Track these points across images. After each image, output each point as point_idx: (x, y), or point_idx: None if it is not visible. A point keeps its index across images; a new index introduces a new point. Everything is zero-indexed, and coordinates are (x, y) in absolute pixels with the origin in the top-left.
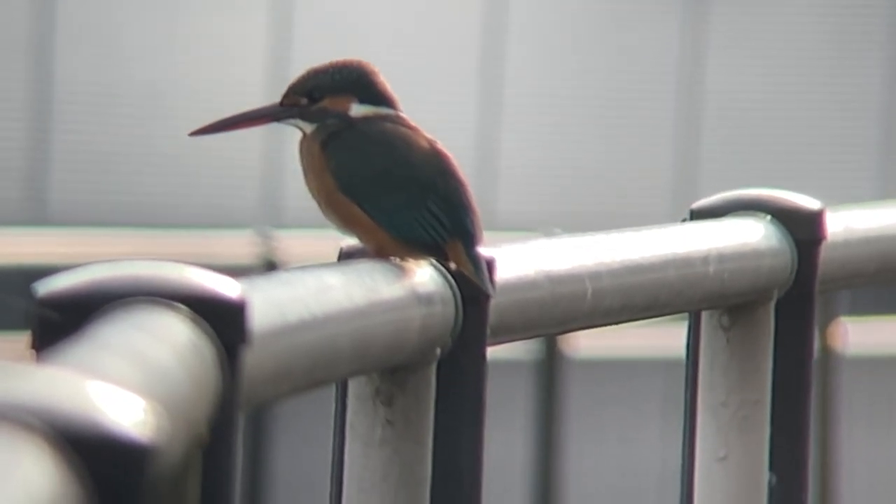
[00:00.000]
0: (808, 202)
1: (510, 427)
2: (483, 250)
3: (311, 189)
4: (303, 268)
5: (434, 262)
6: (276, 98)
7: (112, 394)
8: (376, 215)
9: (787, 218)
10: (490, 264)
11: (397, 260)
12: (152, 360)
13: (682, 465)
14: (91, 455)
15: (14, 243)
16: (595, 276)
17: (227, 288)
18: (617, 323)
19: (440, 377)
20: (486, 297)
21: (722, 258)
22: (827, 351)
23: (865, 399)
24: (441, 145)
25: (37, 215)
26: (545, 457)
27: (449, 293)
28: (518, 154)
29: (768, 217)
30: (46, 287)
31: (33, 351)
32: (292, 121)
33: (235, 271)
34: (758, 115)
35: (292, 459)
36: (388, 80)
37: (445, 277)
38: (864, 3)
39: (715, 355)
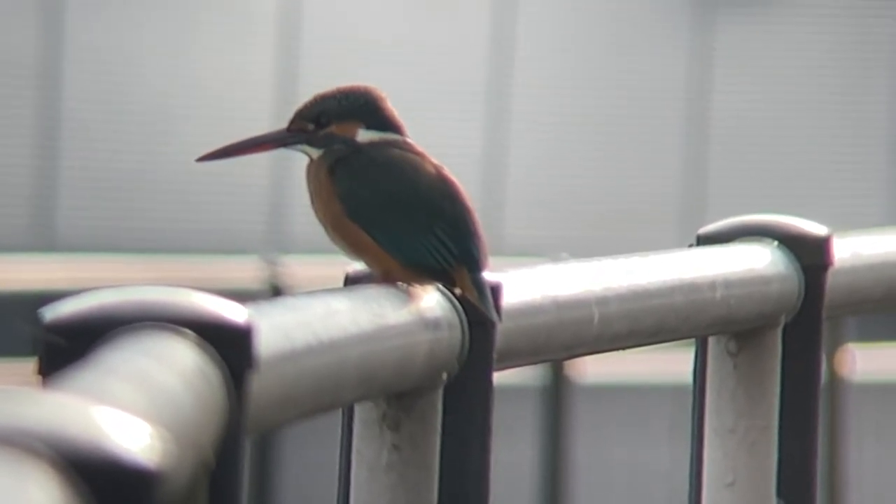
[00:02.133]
0: (815, 228)
1: (517, 452)
2: (489, 276)
3: (317, 214)
4: (309, 293)
5: (441, 287)
6: (283, 122)
7: (118, 419)
8: (383, 241)
9: (794, 244)
10: (496, 290)
11: (404, 285)
12: (159, 385)
13: (690, 490)
14: (97, 480)
15: (21, 269)
16: (602, 301)
17: (234, 313)
18: (624, 348)
19: (447, 402)
20: (492, 322)
21: (729, 284)
22: (834, 377)
23: (873, 425)
24: (448, 171)
25: (44, 241)
26: (552, 482)
27: (455, 318)
28: (525, 179)
29: (775, 243)
30: (53, 313)
31: (40, 376)
32: (299, 146)
33: (242, 296)
34: (765, 139)
35: (299, 484)
36: (394, 104)
37: (452, 302)
38: (872, 27)
39: (722, 381)
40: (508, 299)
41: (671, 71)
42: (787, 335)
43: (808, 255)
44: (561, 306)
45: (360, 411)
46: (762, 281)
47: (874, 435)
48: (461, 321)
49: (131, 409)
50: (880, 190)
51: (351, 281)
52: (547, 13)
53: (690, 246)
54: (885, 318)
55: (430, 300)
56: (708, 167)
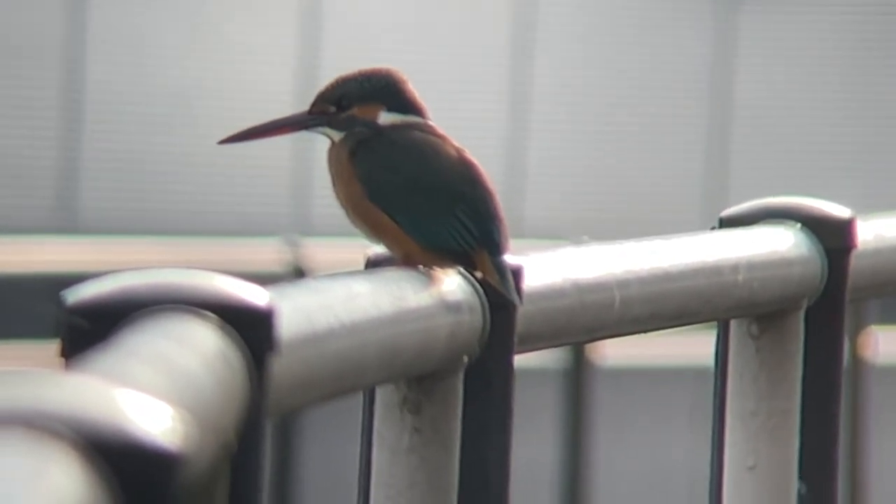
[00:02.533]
0: (839, 210)
1: (538, 435)
2: (510, 259)
3: (339, 197)
4: (331, 276)
5: (462, 270)
6: (305, 105)
7: (140, 402)
8: (404, 223)
9: (817, 226)
10: (517, 273)
11: (425, 268)
12: (180, 367)
13: (711, 474)
14: (119, 463)
15: (44, 251)
16: (623, 284)
17: (256, 296)
18: (645, 331)
19: (467, 385)
20: (513, 305)
21: (751, 266)
22: (857, 360)
23: (895, 408)
24: (469, 154)
25: (67, 223)
26: (573, 465)
27: (476, 301)
28: (546, 162)
29: (798, 225)
30: (75, 295)
31: (62, 359)
32: (321, 129)
33: (264, 279)
34: (788, 122)
35: (320, 467)
36: (416, 88)
37: (473, 286)
38: (895, 10)
39: (744, 364)
40: (529, 282)
41: (694, 54)
42: (810, 318)
43: (831, 237)
44: (582, 289)
45: (381, 394)
46: (785, 264)
47: None
48: (482, 304)
49: (153, 391)
50: None
51: (372, 264)
52: (569, 0)
53: (713, 228)
54: None
55: (451, 283)
56: (731, 150)
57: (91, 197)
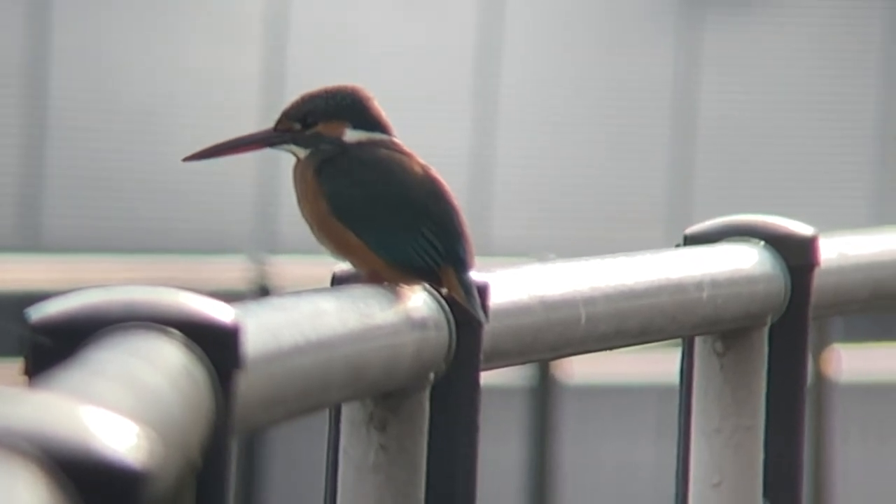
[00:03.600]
0: (802, 228)
1: (504, 452)
2: (476, 276)
3: (304, 214)
4: (296, 293)
5: (427, 287)
6: (270, 122)
7: (105, 419)
8: (370, 240)
9: (780, 244)
10: (483, 290)
11: (391, 285)
12: (146, 385)
13: (677, 491)
14: (84, 480)
15: (7, 269)
16: (589, 301)
17: (221, 313)
18: (611, 348)
19: (434, 402)
20: (479, 322)
21: (716, 284)
22: (820, 377)
23: (859, 425)
24: (435, 171)
25: (30, 241)
26: (539, 481)
27: (443, 318)
28: (512, 179)
29: (762, 243)
30: (40, 313)
31: (27, 377)
32: (286, 146)
33: (229, 296)
34: (752, 139)
35: (285, 484)
36: (380, 104)
37: (439, 302)
38: (860, 26)
39: (709, 381)
40: (495, 299)
41: (658, 70)
42: (774, 335)
43: (795, 255)
44: (548, 306)
45: (347, 411)
46: (749, 281)
47: (860, 435)
48: (448, 321)
49: (118, 408)
50: (867, 190)
51: (338, 281)
52: (534, 13)
53: (677, 246)
54: (871, 318)
55: (417, 300)
56: (695, 167)
57: (54, 215)
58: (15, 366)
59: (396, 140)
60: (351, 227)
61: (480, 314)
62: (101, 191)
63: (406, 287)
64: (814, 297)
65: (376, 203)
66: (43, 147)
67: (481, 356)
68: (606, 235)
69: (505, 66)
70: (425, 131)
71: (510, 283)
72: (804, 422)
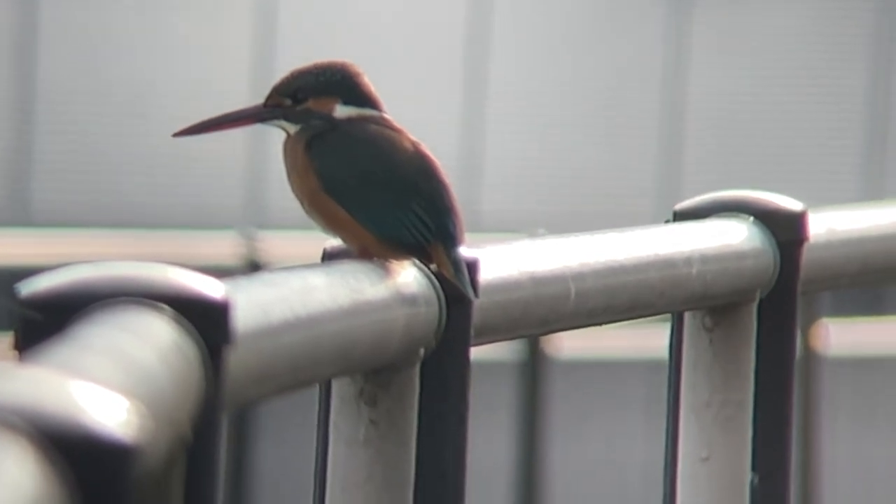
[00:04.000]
0: (791, 203)
1: (494, 427)
2: (466, 252)
3: (294, 190)
4: (287, 268)
5: (417, 263)
6: (260, 99)
7: (95, 394)
8: (360, 216)
9: (769, 219)
10: (473, 266)
11: (381, 261)
12: (135, 360)
13: (665, 466)
14: (74, 455)
15: None
16: (578, 276)
17: (211, 288)
18: (600, 324)
19: (424, 378)
20: (469, 298)
21: (705, 259)
22: (809, 352)
23: (847, 399)
24: (425, 147)
25: (20, 216)
26: (528, 457)
27: (433, 294)
28: (502, 155)
29: (751, 218)
30: (29, 288)
31: (16, 351)
32: (276, 122)
33: (219, 272)
34: (741, 116)
35: (276, 460)
36: (371, 82)
37: (429, 278)
38: (849, 6)
39: (698, 356)
40: (485, 275)
41: (649, 50)
42: (763, 310)
43: (784, 230)
44: (537, 282)
45: (337, 387)
46: (738, 256)
47: (848, 409)
48: (438, 297)
49: (108, 384)
50: (855, 166)
51: (328, 256)
52: None
53: (667, 221)
54: (860, 293)
55: (408, 276)
56: (684, 144)
57: (44, 189)
58: (5, 341)
59: (387, 116)
60: (341, 202)
61: (469, 290)
62: (91, 165)
63: (396, 263)
64: (803, 273)
65: (366, 179)
66: (32, 122)
67: (471, 332)
68: (596, 211)
69: (495, 44)
70: (415, 107)
71: (500, 259)
72: (793, 396)
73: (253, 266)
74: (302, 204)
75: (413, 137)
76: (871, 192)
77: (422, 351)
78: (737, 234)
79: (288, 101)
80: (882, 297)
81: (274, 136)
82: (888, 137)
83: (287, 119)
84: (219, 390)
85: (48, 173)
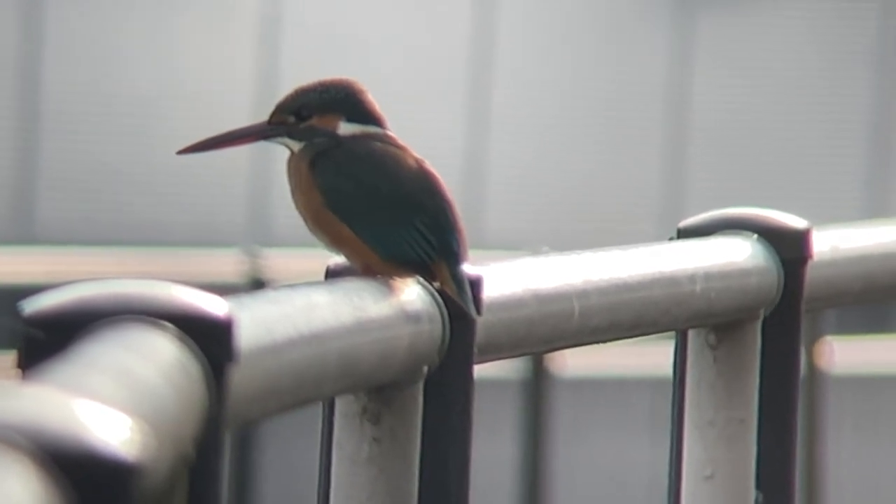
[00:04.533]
0: (795, 221)
1: (497, 445)
2: (469, 269)
3: (298, 207)
4: (290, 286)
5: (421, 280)
6: (264, 115)
7: (98, 412)
8: (363, 234)
9: (773, 237)
10: (476, 283)
11: (384, 278)
12: (139, 378)
13: (669, 483)
14: (77, 473)
15: (1, 262)
16: (582, 294)
17: (214, 306)
18: (604, 341)
19: (427, 395)
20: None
21: (709, 277)
22: (813, 369)
23: (851, 417)
24: (429, 165)
25: (23, 234)
26: (532, 474)
27: (436, 311)
28: (506, 172)
29: (755, 236)
30: (32, 306)
31: (19, 370)
32: (280, 139)
33: (223, 289)
34: (745, 133)
35: (279, 478)
36: (375, 99)
37: (433, 296)
38: (853, 21)
39: (702, 374)
40: (489, 292)
41: (651, 65)
42: (767, 328)
43: (788, 248)
44: (541, 299)
45: (340, 404)
46: (742, 274)
47: (852, 427)
48: (442, 314)
49: (111, 402)
50: (860, 184)
51: (332, 274)
52: (528, 8)
53: (671, 239)
54: (864, 310)
55: (411, 293)
56: (688, 161)
57: (48, 207)
58: (8, 359)
59: (390, 133)
60: (345, 220)
61: (472, 309)
62: (95, 183)
63: (400, 280)
64: (807, 290)
65: (370, 196)
66: (36, 139)
67: (475, 349)
68: (600, 229)
69: (499, 60)
70: (419, 125)
71: (504, 277)
72: (797, 414)
73: (256, 283)
74: (305, 221)
75: (417, 154)
76: (876, 209)
77: (425, 368)
78: (741, 252)
79: (292, 119)
80: (886, 314)
81: (278, 154)
82: (892, 154)
83: (291, 136)
84: (222, 408)
85: (52, 191)
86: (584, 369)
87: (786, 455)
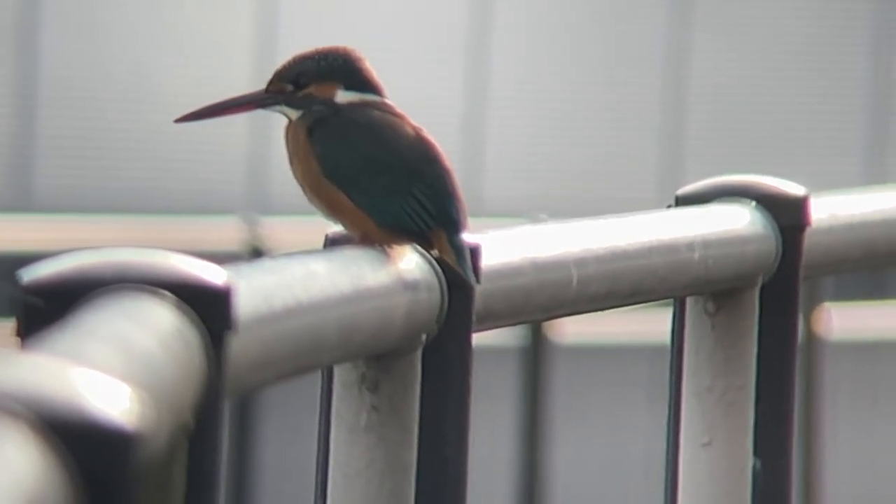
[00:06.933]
0: (793, 188)
1: (496, 413)
2: (468, 238)
3: (296, 176)
4: (288, 255)
5: (419, 248)
6: (261, 85)
7: (97, 381)
8: (361, 202)
9: (771, 204)
10: (475, 251)
11: (382, 247)
12: (137, 347)
13: (667, 451)
14: (76, 442)
15: None
16: (580, 262)
17: (213, 275)
18: (602, 309)
19: (426, 363)
20: (471, 284)
21: (707, 244)
22: (811, 336)
23: (849, 384)
24: (427, 133)
25: (21, 202)
26: (531, 442)
27: (434, 280)
28: (504, 141)
29: (753, 203)
30: (31, 274)
31: (18, 338)
32: (278, 107)
33: (221, 258)
34: (744, 101)
35: (278, 446)
36: (373, 67)
37: (431, 264)
38: None
39: (700, 341)
40: (487, 260)
41: (651, 35)
42: (765, 295)
43: (786, 215)
44: (540, 268)
45: (338, 373)
46: (740, 241)
47: (850, 394)
48: (440, 283)
49: (110, 370)
50: (858, 150)
51: (330, 243)
52: None
53: (669, 206)
54: (862, 277)
55: (409, 262)
56: (686, 128)
57: (46, 175)
58: (7, 327)
59: (389, 101)
60: (343, 188)
61: (471, 277)
62: (93, 151)
63: (398, 249)
64: (805, 257)
65: (368, 165)
66: (33, 107)
67: (473, 317)
68: (598, 196)
69: (497, 28)
70: (417, 93)
71: (502, 245)
72: (795, 381)
73: (255, 252)
74: (304, 190)
75: (415, 123)
76: (874, 176)
77: (423, 337)
78: (739, 219)
79: (290, 87)
80: (884, 281)
81: (276, 122)
82: (891, 122)
83: (289, 105)
84: (220, 377)
85: (49, 159)
86: (582, 337)
87: (783, 422)
